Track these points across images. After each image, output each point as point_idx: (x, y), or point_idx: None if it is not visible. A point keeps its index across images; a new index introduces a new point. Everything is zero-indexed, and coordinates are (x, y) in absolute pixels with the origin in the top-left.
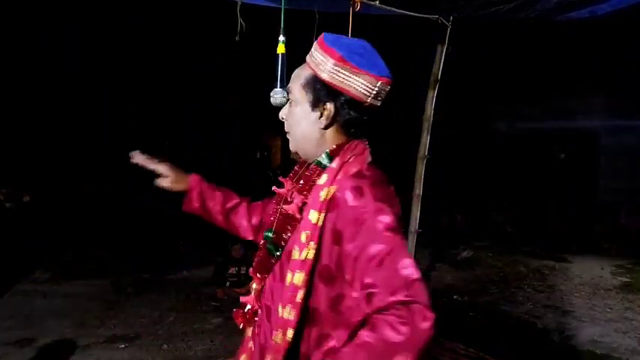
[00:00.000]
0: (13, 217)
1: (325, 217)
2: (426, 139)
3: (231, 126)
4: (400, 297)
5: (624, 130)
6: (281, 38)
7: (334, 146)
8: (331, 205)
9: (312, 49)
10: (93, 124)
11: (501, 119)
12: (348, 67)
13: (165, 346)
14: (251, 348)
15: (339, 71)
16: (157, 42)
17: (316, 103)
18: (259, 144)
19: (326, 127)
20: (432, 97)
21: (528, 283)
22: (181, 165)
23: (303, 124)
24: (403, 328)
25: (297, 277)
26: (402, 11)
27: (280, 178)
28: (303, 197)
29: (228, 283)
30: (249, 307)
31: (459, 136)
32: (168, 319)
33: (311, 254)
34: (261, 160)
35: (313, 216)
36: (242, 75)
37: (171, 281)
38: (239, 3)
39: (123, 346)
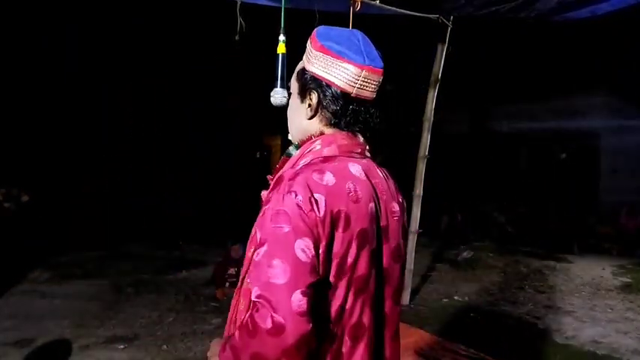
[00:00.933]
0: (12, 217)
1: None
2: (426, 139)
3: (231, 126)
4: (255, 296)
5: (624, 130)
6: (281, 38)
7: (309, 136)
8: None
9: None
10: (93, 124)
11: (501, 119)
12: (329, 55)
13: (165, 346)
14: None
15: (320, 61)
16: (157, 42)
17: (303, 94)
18: (259, 144)
19: (311, 118)
20: (432, 96)
21: (529, 284)
22: (181, 165)
23: (295, 115)
24: (244, 330)
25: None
26: (402, 11)
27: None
28: (270, 189)
29: (227, 284)
30: None
31: (459, 135)
32: (167, 319)
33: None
34: (261, 160)
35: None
36: (242, 75)
37: (171, 281)
38: (239, 3)
39: (122, 346)
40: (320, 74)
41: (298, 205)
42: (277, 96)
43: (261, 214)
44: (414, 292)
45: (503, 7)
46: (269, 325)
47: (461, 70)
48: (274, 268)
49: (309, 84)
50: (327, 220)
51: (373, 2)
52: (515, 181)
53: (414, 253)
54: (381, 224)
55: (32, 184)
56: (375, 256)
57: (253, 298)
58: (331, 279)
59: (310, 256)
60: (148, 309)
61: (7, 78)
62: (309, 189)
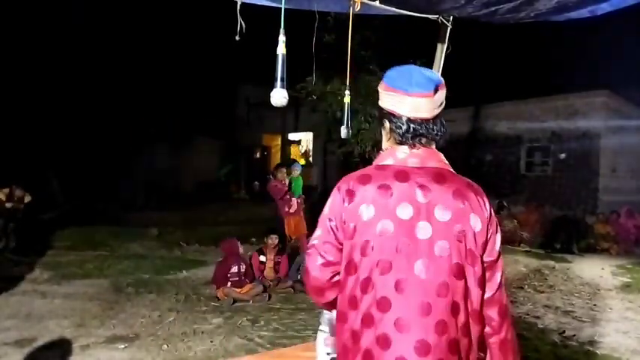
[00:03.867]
0: (13, 217)
1: None
2: None
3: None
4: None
5: (624, 130)
6: (281, 38)
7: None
8: None
9: None
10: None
11: (501, 119)
12: (387, 91)
13: (165, 346)
14: None
15: (384, 96)
16: (156, 40)
17: (381, 123)
18: (259, 144)
19: (388, 140)
20: None
21: (529, 283)
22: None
23: (383, 139)
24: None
25: None
26: (402, 11)
27: None
28: None
29: (229, 283)
30: None
31: (459, 135)
32: (168, 319)
33: None
34: (261, 160)
35: None
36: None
37: (171, 281)
38: (239, 3)
39: (123, 346)
40: (386, 107)
41: (335, 199)
42: (278, 96)
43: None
44: None
45: (503, 6)
46: (313, 258)
47: (461, 70)
48: (315, 232)
49: (382, 116)
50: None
51: (373, 2)
52: (513, 181)
53: None
54: (413, 220)
55: (33, 185)
56: (399, 247)
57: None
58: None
59: (332, 227)
60: (148, 309)
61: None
62: (348, 185)
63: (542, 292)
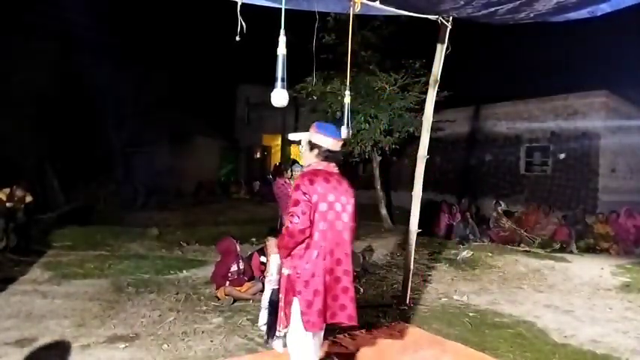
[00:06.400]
0: (13, 217)
1: None
2: (425, 139)
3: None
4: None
5: (624, 130)
6: (282, 38)
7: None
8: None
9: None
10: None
11: (500, 119)
12: (315, 131)
13: (166, 345)
14: None
15: (313, 134)
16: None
17: (311, 149)
18: (259, 144)
19: (315, 157)
20: (432, 96)
21: (528, 283)
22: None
23: (308, 156)
24: (288, 224)
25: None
26: (401, 12)
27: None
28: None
29: (228, 282)
30: None
31: (459, 135)
32: (168, 318)
33: None
34: (260, 160)
35: None
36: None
37: (172, 281)
38: (239, 3)
39: (123, 345)
40: (316, 141)
41: (302, 186)
42: (278, 96)
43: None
44: (414, 292)
45: (502, 7)
46: (296, 219)
47: (461, 70)
48: (294, 206)
49: (313, 146)
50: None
51: (373, 3)
52: (513, 181)
53: (413, 253)
54: (334, 203)
55: (34, 185)
56: (329, 215)
57: (289, 212)
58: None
59: (305, 199)
60: (148, 308)
61: None
62: (308, 177)
63: (542, 291)
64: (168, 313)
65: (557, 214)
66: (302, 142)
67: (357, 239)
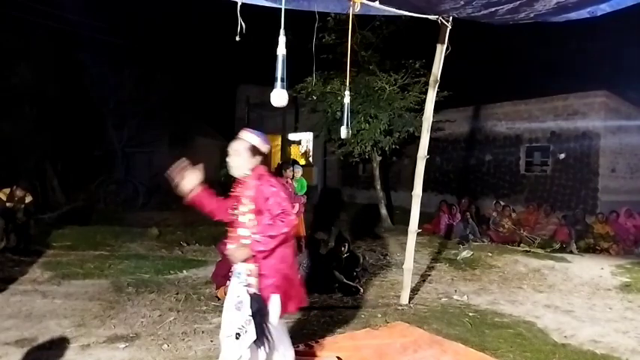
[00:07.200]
0: (13, 217)
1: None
2: (425, 139)
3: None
4: (280, 210)
5: (624, 130)
6: (281, 38)
7: (253, 169)
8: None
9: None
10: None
11: (500, 119)
12: (255, 138)
13: (166, 345)
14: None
15: (258, 143)
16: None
17: (254, 155)
18: None
19: (256, 162)
20: (431, 96)
21: (528, 283)
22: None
23: (248, 162)
24: (285, 220)
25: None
26: (401, 12)
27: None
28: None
29: (228, 282)
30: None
31: (458, 135)
32: (168, 319)
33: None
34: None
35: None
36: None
37: (172, 281)
38: (239, 3)
39: (123, 345)
40: (259, 147)
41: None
42: (278, 97)
43: (270, 195)
44: (414, 292)
45: (502, 7)
46: (293, 217)
47: (460, 70)
48: (284, 202)
49: (256, 152)
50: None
51: (373, 3)
52: (514, 181)
53: (413, 253)
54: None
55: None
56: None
57: (280, 211)
58: None
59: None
60: (148, 308)
61: None
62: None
63: (542, 291)
64: (168, 313)
65: (557, 214)
66: (240, 150)
67: (357, 239)
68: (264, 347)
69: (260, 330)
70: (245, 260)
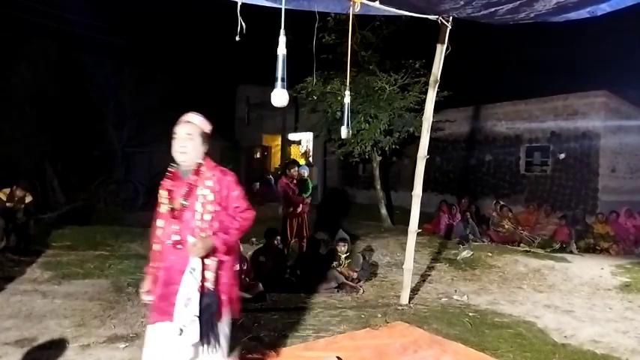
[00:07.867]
0: (13, 217)
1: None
2: (425, 139)
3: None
4: (246, 205)
5: (624, 130)
6: (282, 38)
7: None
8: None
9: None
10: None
11: (500, 119)
12: (208, 130)
13: None
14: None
15: (208, 130)
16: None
17: (205, 141)
18: (259, 144)
19: (206, 150)
20: (431, 96)
21: (528, 283)
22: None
23: (200, 148)
24: (248, 214)
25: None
26: (401, 12)
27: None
28: (200, 178)
29: None
30: (177, 237)
31: (458, 135)
32: None
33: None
34: (261, 160)
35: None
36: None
37: None
38: (239, 3)
39: (123, 345)
40: (208, 134)
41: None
42: (278, 97)
43: (235, 188)
44: (414, 292)
45: (502, 7)
46: (254, 213)
47: (460, 70)
48: (245, 197)
49: (207, 138)
50: None
51: (373, 3)
52: (512, 181)
53: (413, 253)
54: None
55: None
56: None
57: (244, 207)
58: None
59: None
60: (148, 308)
61: None
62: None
63: (542, 291)
64: None
65: (557, 214)
66: (192, 135)
67: (357, 239)
68: (208, 347)
69: (206, 329)
70: (206, 255)
